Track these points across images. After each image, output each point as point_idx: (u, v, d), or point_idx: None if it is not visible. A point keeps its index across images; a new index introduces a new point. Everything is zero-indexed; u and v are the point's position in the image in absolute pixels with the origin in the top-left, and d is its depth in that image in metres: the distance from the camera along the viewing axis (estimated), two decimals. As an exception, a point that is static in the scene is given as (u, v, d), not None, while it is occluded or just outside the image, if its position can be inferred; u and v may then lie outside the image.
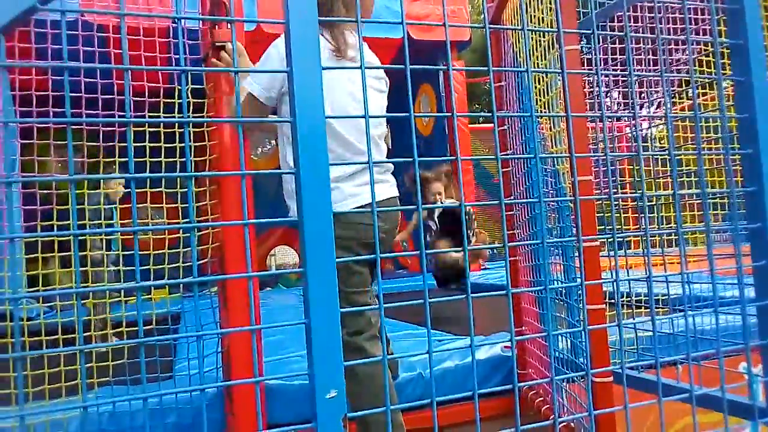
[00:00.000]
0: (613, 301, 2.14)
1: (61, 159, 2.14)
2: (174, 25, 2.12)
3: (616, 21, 2.39)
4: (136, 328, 1.70)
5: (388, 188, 1.67)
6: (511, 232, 2.17)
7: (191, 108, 1.84)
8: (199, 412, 1.79)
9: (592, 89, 2.57)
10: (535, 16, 1.75)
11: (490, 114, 0.95)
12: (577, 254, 1.59)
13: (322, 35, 1.75)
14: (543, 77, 1.77)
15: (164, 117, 2.01)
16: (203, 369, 1.77)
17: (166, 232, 2.07)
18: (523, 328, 2.12)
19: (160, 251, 1.99)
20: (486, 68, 0.97)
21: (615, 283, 1.00)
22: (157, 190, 2.05)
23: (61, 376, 1.78)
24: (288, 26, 0.83)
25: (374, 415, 1.26)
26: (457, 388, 2.16)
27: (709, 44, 1.38)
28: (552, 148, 1.70)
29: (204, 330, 2.06)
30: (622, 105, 2.64)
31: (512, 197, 2.08)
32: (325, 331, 0.81)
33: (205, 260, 1.82)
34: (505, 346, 2.38)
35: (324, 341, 0.80)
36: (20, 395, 0.73)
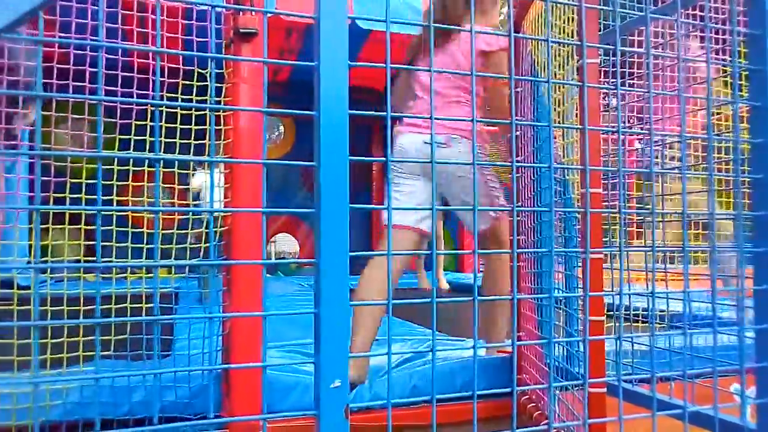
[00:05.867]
0: (611, 313, 2.16)
1: (73, 132, 2.17)
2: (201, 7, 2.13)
3: (636, 35, 2.40)
4: (134, 305, 1.73)
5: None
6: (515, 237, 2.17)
7: (210, 91, 1.84)
8: (196, 392, 1.81)
9: (607, 102, 2.58)
10: (556, 25, 1.76)
11: (509, 122, 0.97)
12: (580, 265, 1.61)
13: None
14: (560, 87, 1.78)
15: (188, 100, 2.02)
16: (204, 350, 1.80)
17: (175, 212, 2.09)
18: (522, 333, 2.14)
19: (167, 231, 2.02)
20: (508, 77, 0.99)
21: (619, 296, 1.02)
22: (166, 170, 2.06)
23: (63, 347, 1.81)
24: (318, 21, 0.85)
25: None
26: (445, 388, 2.18)
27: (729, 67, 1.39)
28: (563, 158, 1.72)
29: (207, 312, 2.08)
30: (635, 119, 2.66)
31: (519, 204, 2.09)
32: (335, 322, 0.83)
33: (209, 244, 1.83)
34: (499, 351, 2.40)
35: (332, 331, 0.82)
36: (35, 361, 0.75)
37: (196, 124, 2.02)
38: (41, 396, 1.62)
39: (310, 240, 8.33)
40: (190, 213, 2.18)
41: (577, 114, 1.68)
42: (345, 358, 0.83)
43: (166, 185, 2.00)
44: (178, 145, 1.91)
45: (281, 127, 7.74)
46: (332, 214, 0.84)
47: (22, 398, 1.64)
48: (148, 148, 1.80)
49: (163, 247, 1.97)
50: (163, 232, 1.98)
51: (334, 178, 0.84)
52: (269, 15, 1.61)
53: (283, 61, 0.84)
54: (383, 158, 0.91)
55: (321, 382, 0.83)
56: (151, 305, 1.81)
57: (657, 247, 1.07)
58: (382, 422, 1.95)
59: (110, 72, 1.98)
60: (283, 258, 7.67)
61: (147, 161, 2.00)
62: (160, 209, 0.76)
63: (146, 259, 2.10)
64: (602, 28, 1.54)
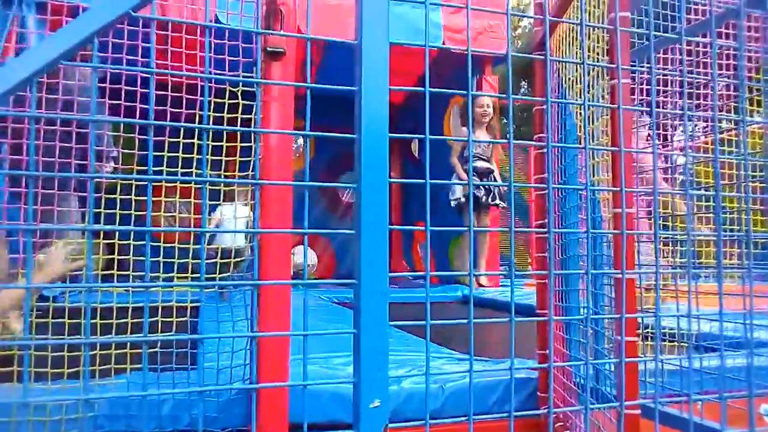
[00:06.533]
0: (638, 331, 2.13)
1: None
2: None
3: (661, 53, 2.40)
4: (165, 318, 1.75)
5: None
6: (541, 255, 2.18)
7: (240, 109, 1.88)
8: (223, 405, 1.82)
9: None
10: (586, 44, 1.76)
11: (544, 143, 0.98)
12: (611, 283, 1.60)
13: None
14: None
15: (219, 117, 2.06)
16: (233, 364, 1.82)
17: (192, 226, 2.12)
18: (548, 351, 2.12)
19: (184, 245, 2.03)
20: (544, 99, 1.00)
21: (655, 317, 1.02)
22: (188, 185, 2.10)
23: (96, 358, 1.83)
24: (360, 45, 0.87)
25: None
26: (466, 407, 2.15)
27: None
28: (592, 177, 1.71)
29: (235, 325, 2.10)
30: (659, 137, 2.65)
31: (545, 221, 2.09)
32: (374, 342, 0.83)
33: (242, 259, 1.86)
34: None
35: (373, 351, 0.83)
36: (86, 373, 0.77)
37: (226, 141, 2.05)
38: (73, 409, 1.64)
39: (328, 252, 8.35)
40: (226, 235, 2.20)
41: (604, 131, 1.68)
42: (385, 378, 0.84)
43: (183, 199, 2.04)
44: (209, 162, 1.94)
45: (300, 139, 7.82)
46: (372, 235, 0.85)
47: (54, 410, 1.66)
48: (180, 164, 1.83)
49: (184, 261, 1.99)
50: (184, 246, 2.01)
51: (374, 199, 0.86)
52: (303, 37, 1.64)
53: (325, 86, 0.86)
54: (421, 180, 0.92)
55: (361, 402, 0.84)
56: (180, 318, 1.84)
57: (693, 266, 1.07)
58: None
59: (145, 90, 2.02)
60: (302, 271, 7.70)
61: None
62: (207, 230, 0.78)
63: (166, 271, 2.12)
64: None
